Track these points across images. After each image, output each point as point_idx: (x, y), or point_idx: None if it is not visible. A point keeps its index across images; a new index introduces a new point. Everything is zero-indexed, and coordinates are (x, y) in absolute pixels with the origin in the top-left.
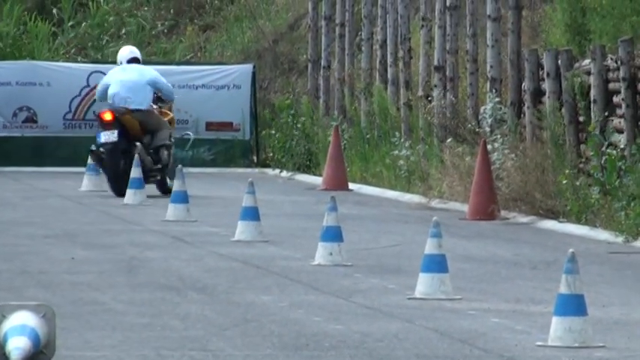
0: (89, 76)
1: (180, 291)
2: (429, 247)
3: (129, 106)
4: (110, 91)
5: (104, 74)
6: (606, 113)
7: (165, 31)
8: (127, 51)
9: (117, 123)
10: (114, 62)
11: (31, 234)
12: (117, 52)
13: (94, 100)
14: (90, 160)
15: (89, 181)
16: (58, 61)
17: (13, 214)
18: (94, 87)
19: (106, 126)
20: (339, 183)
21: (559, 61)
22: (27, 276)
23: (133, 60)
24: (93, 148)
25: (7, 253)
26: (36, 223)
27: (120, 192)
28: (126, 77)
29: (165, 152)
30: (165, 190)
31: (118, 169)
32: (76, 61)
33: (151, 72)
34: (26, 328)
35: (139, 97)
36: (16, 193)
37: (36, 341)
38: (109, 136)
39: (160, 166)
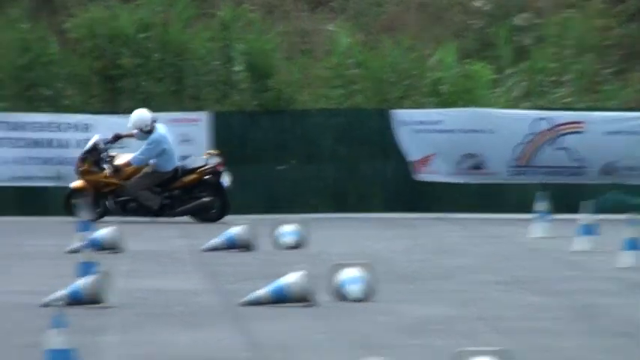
0: (532, 122)
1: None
2: None
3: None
4: (169, 154)
5: (546, 121)
6: None
7: (611, 76)
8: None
9: None
10: (558, 108)
11: (482, 280)
12: (559, 98)
13: (539, 146)
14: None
15: (539, 227)
16: (500, 107)
17: (462, 260)
18: (539, 133)
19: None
20: None
21: None
22: (482, 322)
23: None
24: None
25: (460, 299)
26: (486, 268)
27: None
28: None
29: None
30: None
31: None
32: (518, 107)
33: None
34: None
35: None
36: (463, 239)
37: None
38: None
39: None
